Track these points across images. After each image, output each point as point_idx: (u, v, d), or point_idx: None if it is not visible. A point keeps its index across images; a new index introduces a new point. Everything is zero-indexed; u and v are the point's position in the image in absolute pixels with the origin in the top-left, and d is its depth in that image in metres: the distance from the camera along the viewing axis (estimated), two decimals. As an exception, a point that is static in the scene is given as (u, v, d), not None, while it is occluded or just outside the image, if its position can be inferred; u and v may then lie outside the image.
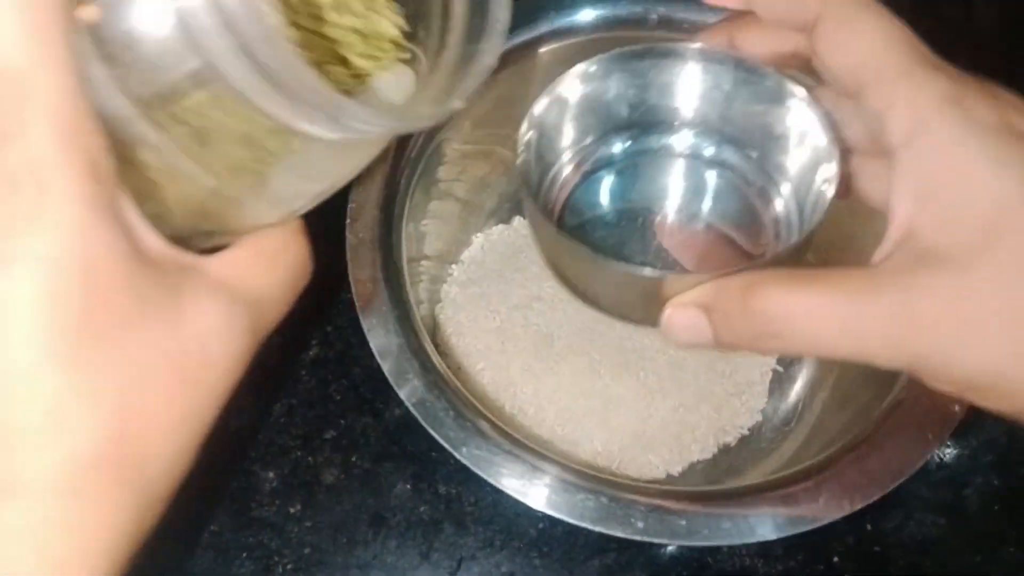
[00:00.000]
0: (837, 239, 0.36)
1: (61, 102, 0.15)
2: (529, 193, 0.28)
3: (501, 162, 0.44)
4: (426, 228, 0.41)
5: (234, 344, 0.19)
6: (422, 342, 0.34)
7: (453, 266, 0.45)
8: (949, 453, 0.42)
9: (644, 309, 0.27)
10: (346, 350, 0.42)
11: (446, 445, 0.31)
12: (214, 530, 0.38)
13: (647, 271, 0.26)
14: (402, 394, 0.32)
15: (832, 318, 0.23)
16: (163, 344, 0.17)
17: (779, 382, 0.43)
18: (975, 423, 0.43)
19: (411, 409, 0.32)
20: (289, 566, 0.38)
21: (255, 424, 0.40)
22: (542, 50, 0.40)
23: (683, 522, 0.31)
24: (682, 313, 0.25)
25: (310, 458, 0.40)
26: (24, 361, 0.15)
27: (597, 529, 0.31)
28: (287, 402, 0.41)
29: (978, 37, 0.52)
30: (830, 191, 0.26)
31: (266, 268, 0.21)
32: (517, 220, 0.47)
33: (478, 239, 0.46)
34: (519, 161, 0.28)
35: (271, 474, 0.39)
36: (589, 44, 0.40)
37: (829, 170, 0.27)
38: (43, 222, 0.15)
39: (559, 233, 0.27)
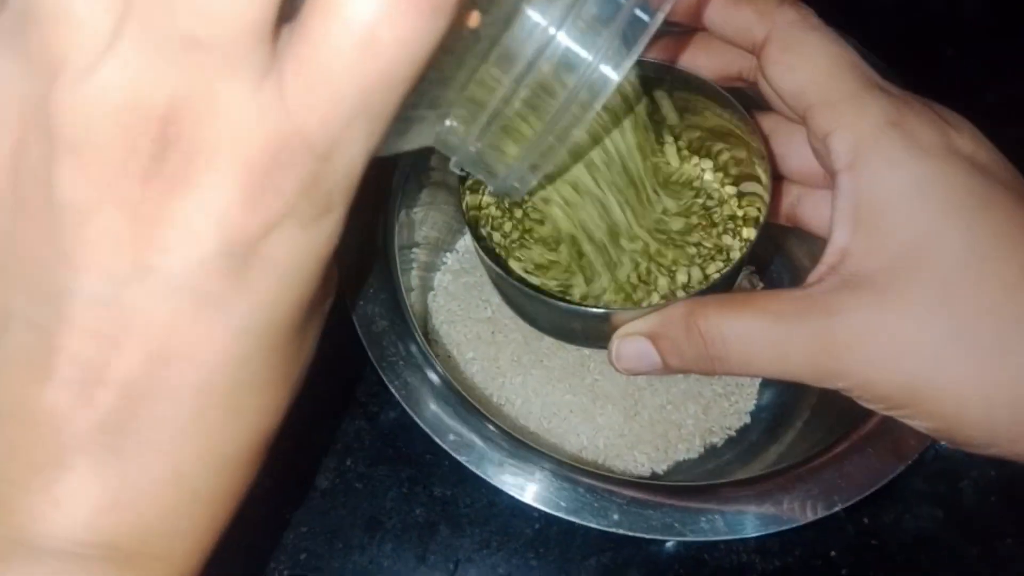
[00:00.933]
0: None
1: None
2: (473, 234, 0.30)
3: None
4: (417, 216, 0.40)
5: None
6: (412, 330, 0.33)
7: (447, 254, 0.45)
8: (945, 445, 0.42)
9: (592, 339, 0.29)
10: (338, 351, 0.42)
11: (434, 437, 0.31)
12: (208, 537, 0.38)
13: (592, 309, 0.27)
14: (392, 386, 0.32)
15: (762, 340, 0.24)
16: None
17: (768, 384, 0.43)
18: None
19: (392, 389, 0.32)
20: (285, 572, 0.37)
21: (248, 429, 0.40)
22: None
23: (659, 516, 0.31)
24: (630, 343, 0.26)
25: (304, 462, 0.40)
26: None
27: (570, 519, 0.31)
28: (280, 407, 0.41)
29: (963, 28, 0.52)
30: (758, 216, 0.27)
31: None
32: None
33: None
34: (464, 203, 0.30)
35: (265, 479, 0.39)
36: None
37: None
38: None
39: (503, 276, 0.29)
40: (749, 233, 0.31)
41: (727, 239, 0.31)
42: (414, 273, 0.41)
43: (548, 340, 0.41)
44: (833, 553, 0.39)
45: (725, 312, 0.24)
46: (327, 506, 0.39)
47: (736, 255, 0.31)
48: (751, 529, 0.31)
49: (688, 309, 0.25)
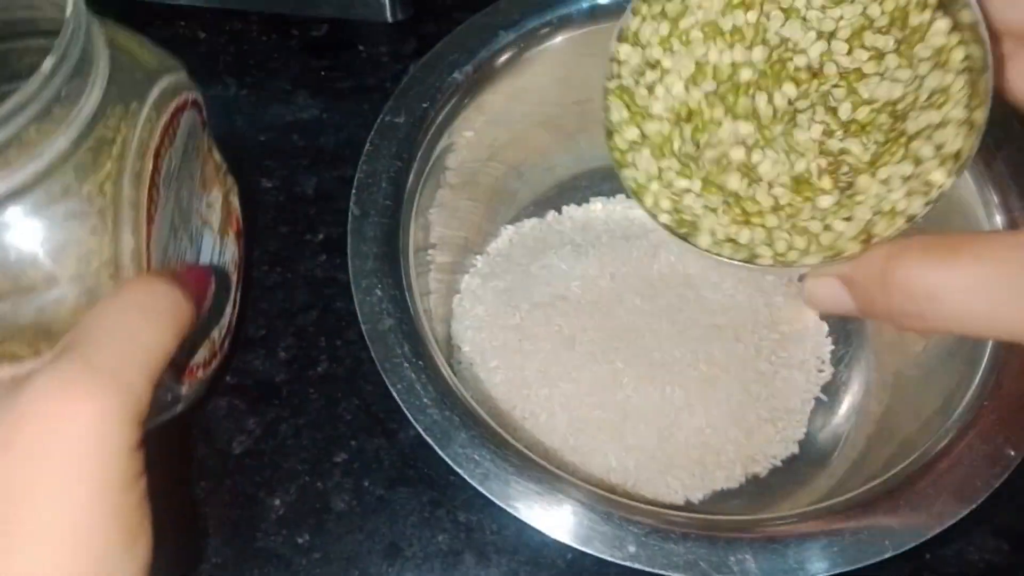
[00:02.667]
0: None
1: None
2: None
3: (537, 150, 0.42)
4: (434, 216, 0.38)
5: None
6: (420, 331, 0.31)
7: (477, 257, 0.42)
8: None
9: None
10: (356, 366, 0.39)
11: (450, 462, 0.28)
12: (216, 563, 0.35)
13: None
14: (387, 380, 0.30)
15: (984, 294, 0.20)
16: None
17: (821, 411, 0.40)
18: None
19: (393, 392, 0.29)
20: (297, 601, 0.35)
21: (259, 447, 0.37)
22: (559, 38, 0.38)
23: (683, 551, 0.27)
24: (824, 284, 0.24)
25: (319, 483, 0.37)
26: None
27: (576, 546, 0.28)
28: (294, 423, 0.38)
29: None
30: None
31: None
32: (551, 215, 0.44)
33: (507, 231, 0.43)
34: None
35: (277, 501, 0.37)
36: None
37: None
38: None
39: None
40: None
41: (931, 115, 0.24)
42: (432, 275, 0.38)
43: (579, 351, 0.39)
44: (892, 589, 0.36)
45: (930, 261, 0.21)
46: (343, 530, 0.36)
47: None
48: (786, 573, 0.27)
49: (887, 254, 0.22)
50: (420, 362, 0.29)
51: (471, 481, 0.27)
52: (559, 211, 0.44)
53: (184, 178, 0.30)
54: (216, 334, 0.35)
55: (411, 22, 0.48)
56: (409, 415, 0.28)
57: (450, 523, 0.37)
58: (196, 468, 0.37)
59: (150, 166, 0.26)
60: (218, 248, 0.35)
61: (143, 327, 0.23)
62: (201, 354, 0.33)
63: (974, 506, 0.28)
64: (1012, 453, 0.27)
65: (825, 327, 0.41)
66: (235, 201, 0.38)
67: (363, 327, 0.29)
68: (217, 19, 0.48)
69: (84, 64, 0.24)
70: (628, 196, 0.27)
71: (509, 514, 0.27)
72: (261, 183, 0.43)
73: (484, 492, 0.26)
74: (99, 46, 0.25)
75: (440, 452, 0.27)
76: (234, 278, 0.37)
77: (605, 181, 0.44)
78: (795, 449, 0.39)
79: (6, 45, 0.28)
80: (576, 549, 0.36)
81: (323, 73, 0.47)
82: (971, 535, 0.37)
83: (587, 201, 0.44)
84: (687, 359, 0.39)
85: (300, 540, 0.36)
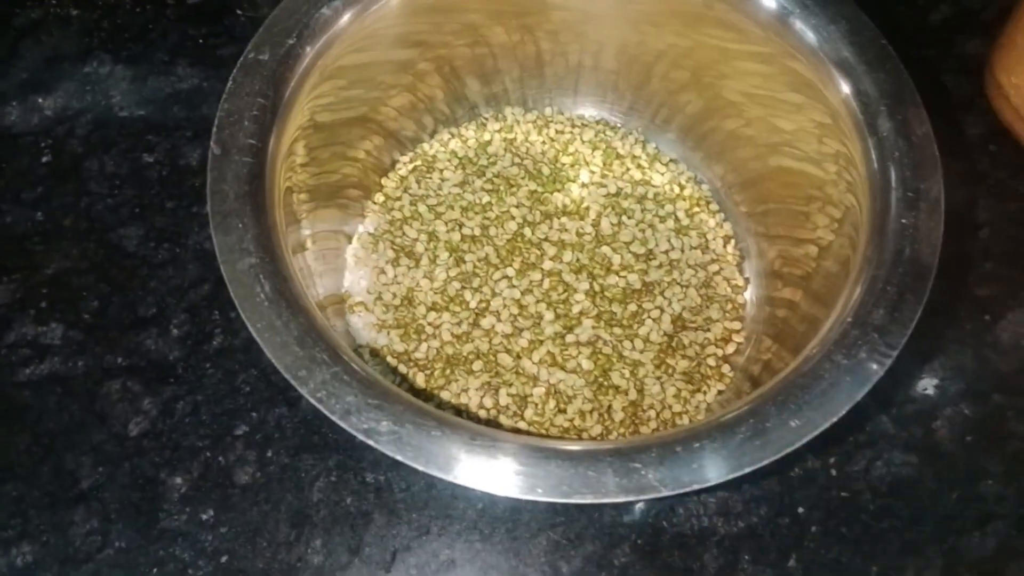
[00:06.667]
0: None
1: None
2: None
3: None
4: (309, 157, 0.36)
5: None
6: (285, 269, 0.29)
7: (366, 201, 0.41)
8: (915, 385, 0.39)
9: None
10: (253, 337, 0.38)
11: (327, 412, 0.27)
12: (120, 547, 0.34)
13: None
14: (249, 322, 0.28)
15: None
16: None
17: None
18: (939, 349, 0.40)
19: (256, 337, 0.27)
20: (205, 578, 0.34)
21: (157, 428, 0.36)
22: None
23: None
24: None
25: (221, 458, 0.36)
26: None
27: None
28: (191, 399, 0.37)
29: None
30: None
31: None
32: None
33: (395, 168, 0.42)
34: None
35: (178, 480, 0.36)
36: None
37: None
38: None
39: None
40: None
41: None
42: (316, 220, 0.37)
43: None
44: (801, 509, 0.36)
45: None
46: (248, 503, 0.35)
47: None
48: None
49: None
50: (282, 301, 0.27)
51: (331, 416, 0.25)
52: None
53: None
54: None
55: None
56: (268, 353, 0.27)
57: (358, 485, 0.36)
58: (92, 454, 0.36)
59: None
60: None
61: None
62: None
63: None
64: (875, 367, 0.27)
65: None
66: None
67: (221, 267, 0.28)
68: (90, -6, 0.47)
69: None
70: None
71: (418, 471, 0.26)
72: (143, 159, 0.42)
73: (345, 427, 0.25)
74: None
75: (301, 389, 0.26)
76: None
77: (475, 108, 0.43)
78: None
79: None
80: (485, 499, 0.36)
81: (202, 41, 0.45)
82: (879, 448, 0.38)
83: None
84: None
85: (204, 516, 0.35)
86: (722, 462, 0.25)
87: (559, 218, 0.40)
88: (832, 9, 0.33)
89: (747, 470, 0.25)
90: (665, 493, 0.25)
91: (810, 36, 0.33)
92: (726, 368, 0.38)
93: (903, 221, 0.29)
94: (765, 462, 0.25)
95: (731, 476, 0.25)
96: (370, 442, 0.25)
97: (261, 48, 0.32)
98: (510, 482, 0.25)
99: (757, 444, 0.26)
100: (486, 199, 0.40)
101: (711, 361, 0.38)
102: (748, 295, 0.40)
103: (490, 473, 0.25)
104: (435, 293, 0.38)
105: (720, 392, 0.38)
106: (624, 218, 0.40)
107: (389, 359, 0.37)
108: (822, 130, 0.34)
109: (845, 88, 0.32)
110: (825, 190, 0.34)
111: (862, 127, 0.31)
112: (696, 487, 0.25)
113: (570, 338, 0.37)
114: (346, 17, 0.33)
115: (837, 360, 0.27)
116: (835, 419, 0.26)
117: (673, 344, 0.38)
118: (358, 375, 0.26)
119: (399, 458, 0.25)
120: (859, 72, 0.32)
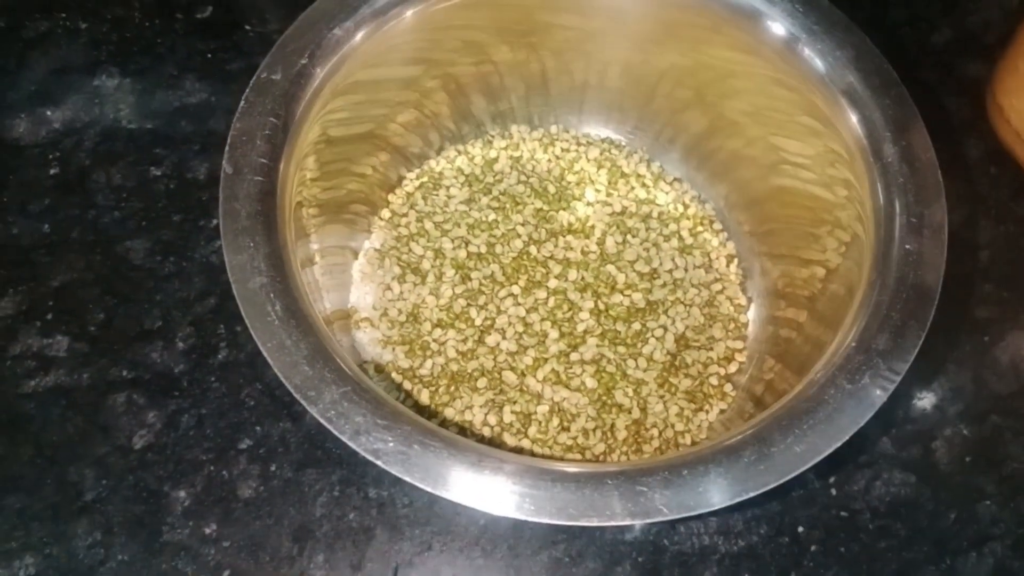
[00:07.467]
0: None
1: None
2: None
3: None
4: (319, 173, 0.36)
5: None
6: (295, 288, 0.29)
7: (373, 217, 0.42)
8: (914, 405, 0.39)
9: None
10: (258, 351, 0.38)
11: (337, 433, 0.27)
12: (123, 560, 0.35)
13: None
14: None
15: None
16: None
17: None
18: (939, 370, 0.40)
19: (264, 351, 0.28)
20: (207, 592, 0.34)
21: (161, 440, 0.37)
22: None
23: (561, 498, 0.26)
24: None
25: (224, 472, 0.36)
26: None
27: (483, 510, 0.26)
28: (195, 412, 0.37)
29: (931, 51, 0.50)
30: None
31: None
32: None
33: (403, 183, 0.43)
34: None
35: (182, 493, 0.36)
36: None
37: None
38: None
39: None
40: None
41: None
42: (325, 236, 0.37)
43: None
44: (801, 529, 0.36)
45: None
46: (250, 517, 0.36)
47: None
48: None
49: None
50: (293, 320, 0.28)
51: (341, 436, 0.26)
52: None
53: None
54: None
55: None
56: (279, 372, 0.27)
57: (361, 500, 0.36)
58: (96, 466, 0.36)
59: None
60: None
61: None
62: None
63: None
64: (879, 393, 0.27)
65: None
66: None
67: (233, 286, 0.28)
68: (98, 7, 0.47)
69: None
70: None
71: (421, 488, 0.26)
72: (150, 172, 0.42)
73: (355, 447, 0.26)
74: None
75: (310, 409, 0.26)
76: None
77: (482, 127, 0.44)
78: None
79: None
80: (487, 515, 0.36)
81: (210, 55, 0.45)
82: (878, 468, 0.38)
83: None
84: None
85: (207, 530, 0.35)
86: (727, 486, 0.25)
87: (564, 236, 0.41)
88: (839, 35, 0.33)
89: (751, 494, 0.26)
90: (670, 517, 0.25)
91: (817, 63, 0.33)
92: (728, 387, 0.38)
93: (907, 247, 0.30)
94: (769, 487, 0.26)
95: (735, 500, 0.25)
96: (378, 463, 0.25)
97: (274, 68, 0.32)
98: (516, 505, 0.25)
99: (761, 468, 0.26)
100: (492, 217, 0.41)
101: (714, 380, 0.38)
102: (751, 314, 0.40)
103: (497, 496, 0.25)
104: (441, 310, 0.38)
105: (722, 411, 0.38)
106: (629, 237, 0.41)
107: (394, 375, 0.37)
108: (831, 155, 0.34)
109: (851, 114, 0.32)
110: (835, 213, 0.34)
111: (867, 153, 0.32)
112: (701, 511, 0.25)
113: (574, 356, 0.38)
114: (359, 36, 0.33)
115: (841, 385, 0.27)
116: (839, 444, 0.26)
117: (676, 363, 0.38)
118: (367, 395, 0.26)
119: (407, 479, 0.25)
120: (865, 99, 0.32)
